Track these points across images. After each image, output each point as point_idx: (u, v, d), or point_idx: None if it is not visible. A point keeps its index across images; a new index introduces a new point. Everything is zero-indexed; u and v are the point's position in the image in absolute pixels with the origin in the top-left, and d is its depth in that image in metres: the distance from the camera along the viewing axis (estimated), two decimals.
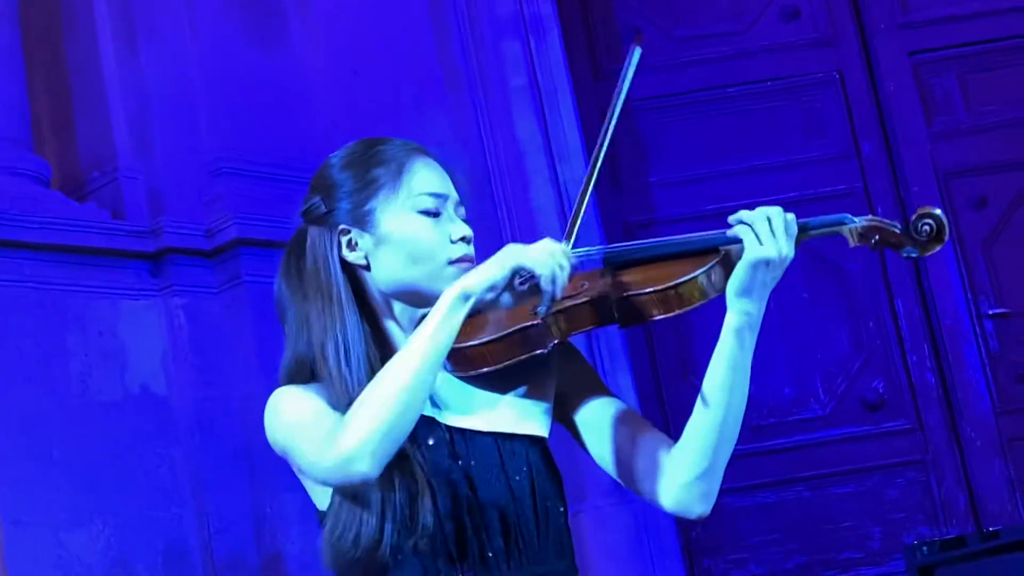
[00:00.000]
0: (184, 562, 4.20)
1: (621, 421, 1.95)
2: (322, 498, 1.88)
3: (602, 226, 4.75)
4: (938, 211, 1.87)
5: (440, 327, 1.78)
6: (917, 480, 4.85)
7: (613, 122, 2.01)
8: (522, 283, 1.81)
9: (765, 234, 1.84)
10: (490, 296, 1.80)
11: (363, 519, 1.81)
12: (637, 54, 2.00)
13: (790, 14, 5.20)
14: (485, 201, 4.60)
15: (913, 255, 1.89)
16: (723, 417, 1.89)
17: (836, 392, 4.87)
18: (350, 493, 1.81)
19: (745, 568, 4.77)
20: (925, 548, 3.09)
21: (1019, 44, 5.16)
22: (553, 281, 1.79)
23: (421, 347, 1.78)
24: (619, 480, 1.97)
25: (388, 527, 1.80)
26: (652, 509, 4.62)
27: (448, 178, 1.98)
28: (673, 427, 5.07)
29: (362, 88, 4.81)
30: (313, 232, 1.96)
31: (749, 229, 1.85)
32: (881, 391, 4.90)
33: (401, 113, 4.75)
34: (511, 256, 1.80)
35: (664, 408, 4.64)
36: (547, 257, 1.79)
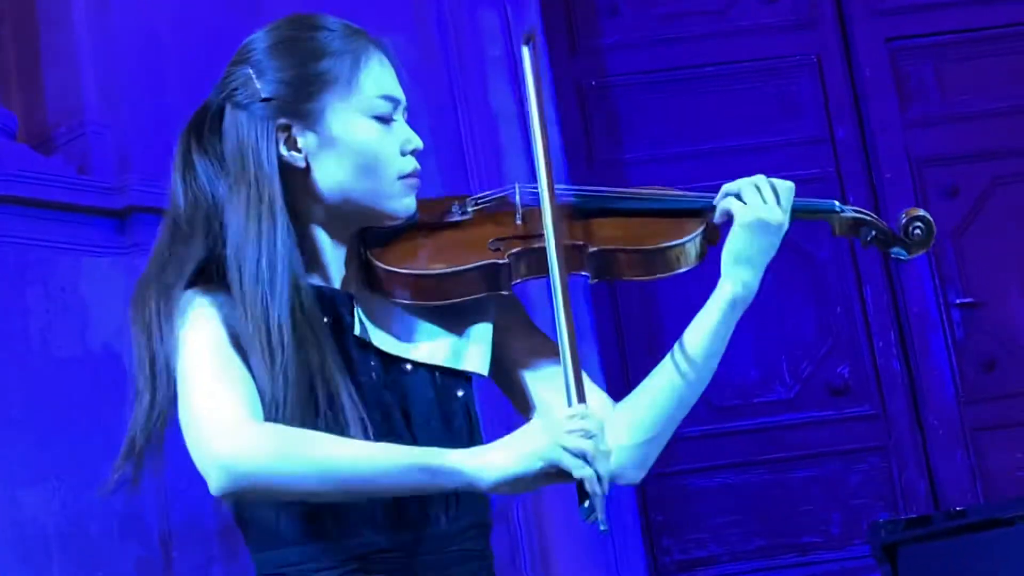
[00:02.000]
0: (140, 525, 4.17)
1: (554, 371, 1.76)
2: None
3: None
4: (927, 214, 1.85)
5: (411, 475, 1.55)
6: (879, 466, 4.87)
7: (537, 124, 1.78)
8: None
9: (757, 199, 1.75)
10: (499, 491, 1.56)
11: None
12: (526, 53, 1.77)
13: None
14: (457, 170, 4.56)
15: (902, 256, 1.86)
16: (688, 387, 1.75)
17: (801, 376, 4.87)
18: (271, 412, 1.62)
19: (705, 548, 4.78)
20: (888, 527, 3.08)
21: (996, 34, 5.16)
22: (600, 481, 1.54)
23: (382, 460, 1.55)
24: None
25: None
26: (615, 487, 4.63)
27: (398, 78, 1.78)
28: None
29: None
30: (239, 116, 1.72)
31: (735, 199, 1.76)
32: (846, 376, 4.91)
33: None
34: (545, 447, 1.53)
35: (629, 384, 4.63)
36: (587, 446, 1.53)
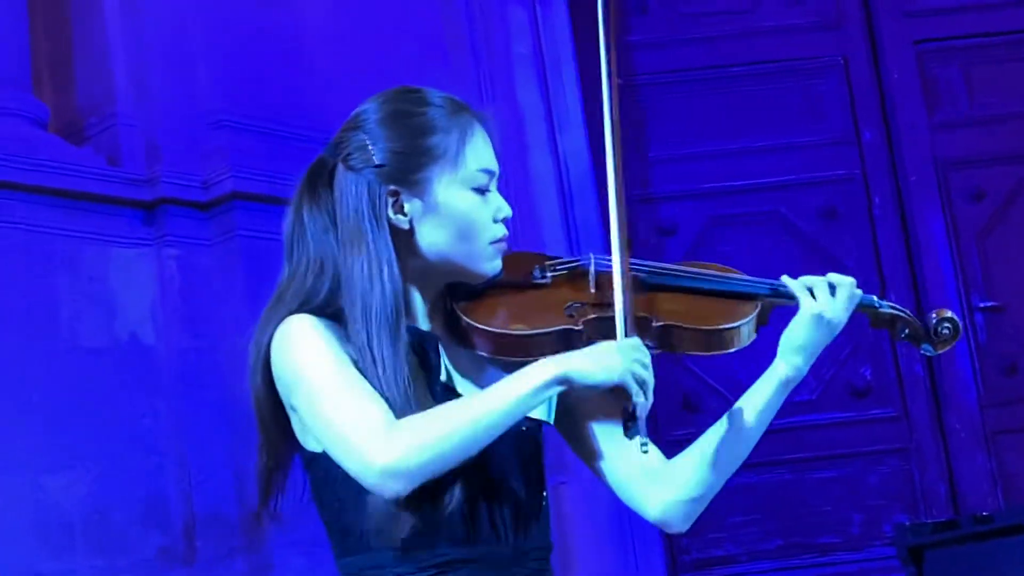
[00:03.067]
0: (163, 513, 4.19)
1: (613, 422, 1.93)
2: (314, 438, 1.83)
3: (599, 198, 4.74)
4: (954, 315, 2.03)
5: (525, 398, 1.76)
6: (899, 468, 4.86)
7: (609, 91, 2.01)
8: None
9: (824, 296, 1.92)
10: (584, 393, 1.79)
11: None
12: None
13: None
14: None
15: (928, 352, 2.03)
16: (737, 452, 1.95)
17: (824, 377, 4.87)
18: None
19: (723, 548, 4.78)
20: (915, 530, 3.09)
21: None
22: (647, 408, 1.76)
23: (504, 403, 1.76)
24: (601, 478, 1.99)
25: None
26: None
27: (494, 150, 1.94)
28: (667, 408, 5.07)
29: (363, 46, 4.78)
30: (352, 178, 1.87)
31: (808, 292, 1.92)
32: (869, 378, 4.91)
33: (401, 73, 4.72)
34: (621, 367, 1.76)
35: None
36: (648, 378, 1.77)
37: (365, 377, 1.79)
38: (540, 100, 4.75)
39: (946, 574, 3.05)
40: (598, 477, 2.00)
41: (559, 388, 1.76)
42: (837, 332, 1.93)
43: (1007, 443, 4.87)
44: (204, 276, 4.37)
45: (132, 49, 4.56)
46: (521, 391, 1.75)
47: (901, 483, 4.86)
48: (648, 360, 1.78)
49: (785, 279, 1.96)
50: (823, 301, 1.92)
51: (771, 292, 1.95)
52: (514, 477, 1.87)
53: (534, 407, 1.78)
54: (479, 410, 1.75)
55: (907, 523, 3.16)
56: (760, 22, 5.16)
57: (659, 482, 1.95)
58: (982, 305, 4.95)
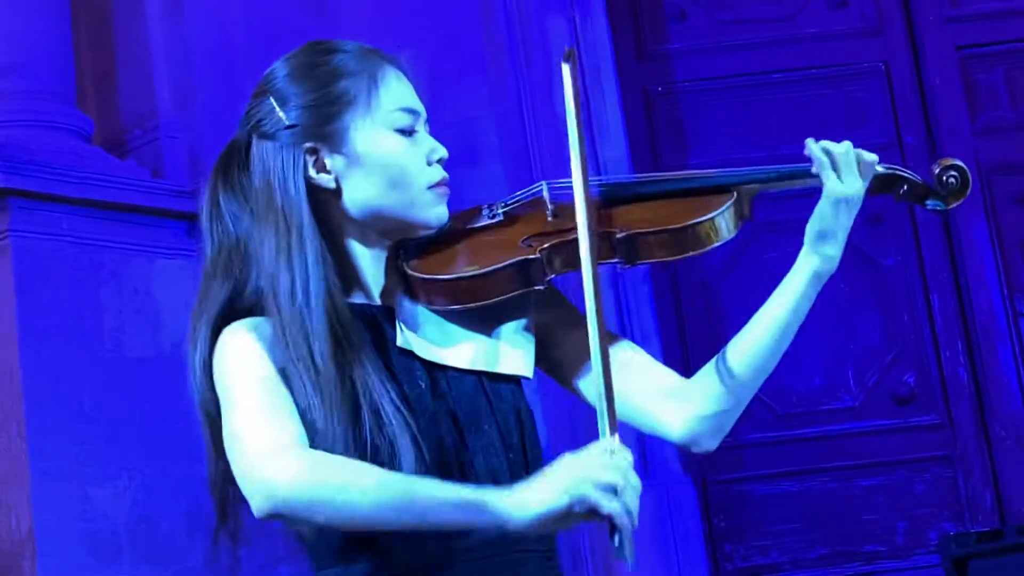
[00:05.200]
0: (208, 522, 4.20)
1: (623, 354, 1.80)
2: None
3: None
4: (960, 162, 1.82)
5: (445, 511, 1.55)
6: (944, 476, 4.83)
7: (577, 146, 1.77)
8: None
9: (847, 170, 1.74)
10: (531, 531, 1.56)
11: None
12: (566, 71, 1.78)
13: (838, 3, 5.16)
14: (524, 177, 4.59)
15: (938, 208, 1.83)
16: (766, 358, 1.76)
17: (867, 384, 4.85)
18: (318, 436, 1.64)
19: (767, 555, 4.76)
20: (960, 540, 3.07)
21: None
22: (629, 515, 1.53)
23: (419, 502, 1.55)
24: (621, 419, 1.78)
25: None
26: (677, 491, 4.64)
27: (415, 91, 1.80)
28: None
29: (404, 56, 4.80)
30: (266, 147, 1.74)
31: (829, 163, 1.74)
32: (912, 385, 4.88)
33: (442, 84, 4.74)
34: (573, 483, 1.53)
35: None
36: (618, 478, 1.52)
37: (290, 384, 1.65)
38: (581, 110, 4.75)
39: None
40: None
41: (482, 522, 1.55)
42: (858, 207, 1.75)
43: None
44: None
45: (175, 62, 4.60)
46: (445, 500, 1.55)
47: (946, 491, 4.82)
48: (622, 460, 1.54)
49: (817, 147, 1.75)
50: (842, 178, 1.73)
51: (749, 178, 1.79)
52: (494, 452, 1.71)
53: (449, 525, 1.57)
54: (395, 490, 1.56)
55: (951, 533, 3.14)
56: (801, 29, 5.15)
57: (682, 398, 1.78)
58: None
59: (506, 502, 1.55)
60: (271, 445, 1.61)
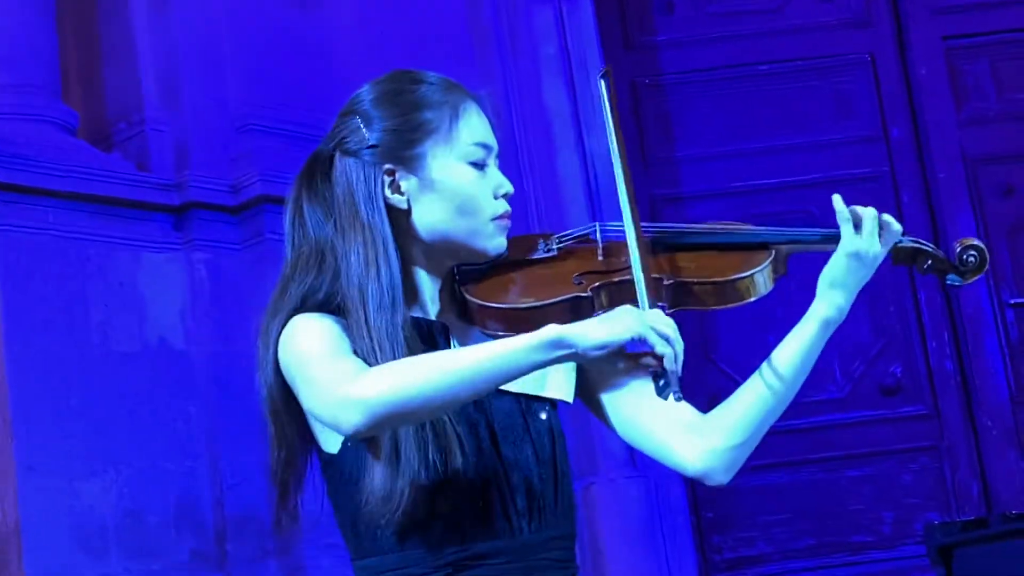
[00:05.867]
0: (195, 516, 4.21)
1: (643, 383, 1.91)
2: (332, 440, 1.83)
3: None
4: (980, 243, 1.96)
5: (515, 354, 1.70)
6: (931, 466, 4.84)
7: (619, 163, 1.98)
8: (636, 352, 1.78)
9: (866, 231, 1.88)
10: (594, 355, 1.73)
11: (386, 466, 1.75)
12: (603, 87, 1.99)
13: None
14: (510, 169, 4.55)
15: (956, 283, 1.97)
16: (780, 397, 1.89)
17: (853, 375, 4.86)
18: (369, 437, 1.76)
19: (754, 546, 4.77)
20: (945, 529, 3.08)
21: None
22: (676, 360, 1.73)
23: (491, 358, 1.70)
24: (637, 444, 1.94)
25: (414, 471, 1.74)
26: (665, 483, 4.64)
27: (491, 128, 1.92)
28: (695, 404, 5.05)
29: (390, 48, 4.79)
30: (348, 163, 1.86)
31: (851, 219, 1.88)
32: (899, 376, 4.89)
33: None
34: (636, 323, 1.73)
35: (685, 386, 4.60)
36: (669, 331, 1.73)
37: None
38: (567, 101, 4.75)
39: (976, 573, 3.03)
40: (633, 443, 1.95)
41: (558, 352, 1.71)
42: (875, 267, 1.89)
43: None
44: (233, 280, 4.39)
45: (160, 54, 4.58)
46: (512, 346, 1.70)
47: (933, 481, 4.84)
48: (672, 323, 1.75)
49: (844, 208, 1.89)
50: (864, 236, 1.88)
51: (788, 238, 1.94)
52: (527, 466, 1.83)
53: (526, 368, 1.71)
54: (464, 359, 1.71)
55: (936, 522, 3.14)
56: (787, 20, 5.15)
57: (698, 433, 1.90)
58: (1013, 301, 4.92)
59: (572, 331, 1.71)
60: (347, 373, 1.72)
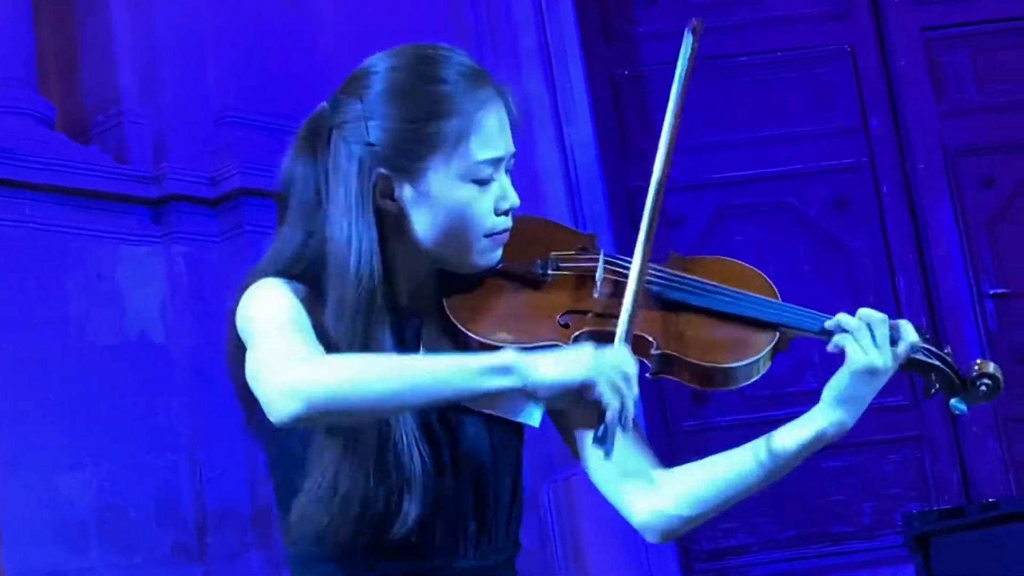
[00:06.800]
0: (175, 509, 4.20)
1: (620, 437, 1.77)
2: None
3: (606, 190, 4.74)
4: (999, 373, 1.80)
5: (466, 374, 1.57)
6: (911, 456, 4.86)
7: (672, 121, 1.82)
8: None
9: (868, 343, 1.73)
10: (544, 394, 1.58)
11: (336, 466, 1.65)
12: (688, 42, 1.78)
13: None
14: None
15: (958, 410, 1.82)
16: (747, 489, 1.80)
17: (833, 365, 4.86)
18: (337, 445, 1.65)
19: (734, 537, 4.78)
20: (922, 518, 3.09)
21: None
22: (621, 416, 1.59)
23: (443, 373, 1.58)
24: (593, 479, 1.85)
25: (364, 481, 1.64)
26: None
27: (509, 129, 1.75)
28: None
29: (369, 39, 4.75)
30: (344, 150, 1.73)
31: (851, 337, 1.73)
32: None
33: None
34: (589, 367, 1.58)
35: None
36: (622, 383, 1.58)
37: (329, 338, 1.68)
38: (546, 92, 4.74)
39: (953, 561, 3.05)
40: (591, 477, 1.85)
41: (506, 381, 1.57)
42: (885, 379, 1.74)
43: (1018, 431, 4.86)
44: (213, 272, 4.37)
45: (139, 46, 4.56)
46: (464, 365, 1.57)
47: (913, 472, 4.85)
48: (632, 373, 1.60)
49: (841, 317, 1.74)
50: (871, 350, 1.72)
51: (796, 323, 1.77)
52: (486, 494, 1.74)
53: (476, 392, 1.58)
54: (417, 369, 1.59)
55: (914, 512, 3.15)
56: (767, 11, 5.15)
57: (652, 490, 1.80)
58: (992, 292, 4.94)
59: (527, 361, 1.58)
60: (294, 353, 1.62)
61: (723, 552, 4.78)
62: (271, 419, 1.60)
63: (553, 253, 1.78)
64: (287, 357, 1.62)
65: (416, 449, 1.67)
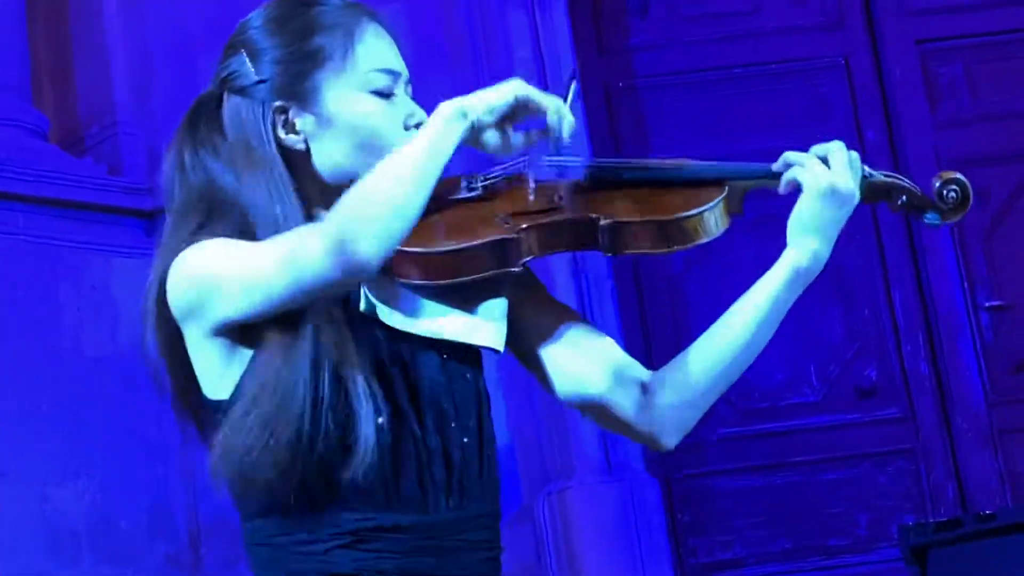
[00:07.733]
0: (168, 521, 4.20)
1: (587, 336, 1.73)
2: (221, 382, 1.63)
3: None
4: (962, 177, 1.76)
5: (436, 140, 1.54)
6: (907, 468, 4.85)
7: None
8: (517, 126, 1.62)
9: (821, 169, 1.68)
10: (487, 120, 1.57)
11: (285, 415, 1.54)
12: (573, 89, 1.70)
13: None
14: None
15: (935, 222, 1.78)
16: (741, 352, 1.71)
17: (829, 378, 4.86)
18: (271, 380, 1.55)
19: (730, 550, 4.77)
20: (918, 529, 3.08)
21: None
22: (559, 117, 1.59)
23: (414, 156, 1.54)
24: (581, 404, 1.73)
25: (318, 426, 1.54)
26: (640, 487, 4.63)
27: (398, 50, 1.71)
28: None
29: None
30: (236, 102, 1.67)
31: (800, 168, 1.69)
32: (874, 379, 4.90)
33: None
34: (516, 86, 1.59)
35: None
36: (553, 98, 1.60)
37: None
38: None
39: (950, 573, 3.04)
40: (570, 398, 1.73)
41: (463, 123, 1.55)
42: (852, 207, 1.69)
43: (1015, 442, 4.86)
44: None
45: (132, 58, 4.57)
46: (430, 133, 1.54)
47: (909, 484, 4.84)
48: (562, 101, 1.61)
49: (788, 154, 1.70)
50: (826, 172, 1.67)
51: (742, 173, 1.72)
52: (447, 433, 1.64)
53: (451, 146, 1.55)
54: (405, 157, 1.54)
55: (910, 523, 3.14)
56: (761, 23, 5.15)
57: (649, 389, 1.71)
58: (988, 304, 4.94)
59: (464, 102, 1.58)
60: (301, 233, 1.55)
61: (718, 565, 4.77)
62: (358, 276, 1.52)
63: (475, 175, 1.73)
64: (300, 236, 1.54)
65: (361, 377, 1.58)
